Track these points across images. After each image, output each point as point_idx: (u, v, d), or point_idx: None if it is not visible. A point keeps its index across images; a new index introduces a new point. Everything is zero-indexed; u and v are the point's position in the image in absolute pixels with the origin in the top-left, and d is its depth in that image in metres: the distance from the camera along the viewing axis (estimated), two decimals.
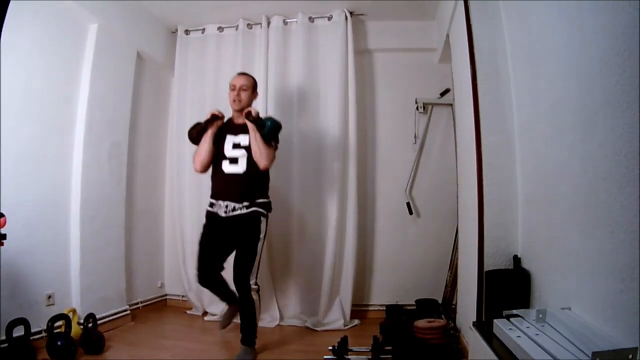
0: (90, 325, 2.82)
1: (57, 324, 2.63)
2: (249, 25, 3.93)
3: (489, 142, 2.35)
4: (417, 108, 3.83)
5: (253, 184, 2.79)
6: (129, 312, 3.51)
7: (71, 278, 3.05)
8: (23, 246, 2.66)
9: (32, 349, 2.46)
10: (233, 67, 3.84)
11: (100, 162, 3.29)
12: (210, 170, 2.88)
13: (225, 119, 2.87)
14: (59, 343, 2.52)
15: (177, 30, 4.09)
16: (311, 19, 3.81)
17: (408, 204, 3.77)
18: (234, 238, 2.76)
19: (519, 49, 2.25)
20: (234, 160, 2.78)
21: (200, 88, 3.98)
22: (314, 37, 3.81)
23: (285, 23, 3.86)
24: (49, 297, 2.85)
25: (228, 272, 2.82)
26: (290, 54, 3.84)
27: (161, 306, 4.08)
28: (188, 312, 3.87)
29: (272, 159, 2.76)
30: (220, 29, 4.01)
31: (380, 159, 3.94)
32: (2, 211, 2.13)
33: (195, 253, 2.84)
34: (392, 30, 3.91)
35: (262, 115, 2.87)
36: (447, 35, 3.22)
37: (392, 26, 3.90)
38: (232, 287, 2.82)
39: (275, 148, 2.82)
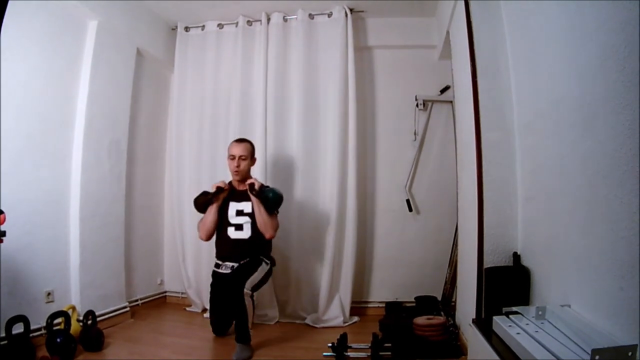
0: (89, 322, 2.82)
1: (56, 321, 2.64)
2: (249, 22, 3.92)
3: (488, 139, 2.34)
4: (417, 105, 3.82)
5: (257, 246, 2.99)
6: (128, 309, 3.51)
7: (71, 275, 3.05)
8: (23, 243, 2.66)
9: (31, 346, 2.46)
10: (233, 63, 3.85)
11: (100, 159, 3.29)
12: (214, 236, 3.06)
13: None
14: (58, 340, 2.52)
15: (177, 27, 4.08)
16: (311, 16, 3.80)
17: (408, 200, 3.77)
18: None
19: (519, 46, 2.25)
20: (239, 227, 2.98)
21: (200, 85, 3.97)
22: (314, 34, 3.81)
23: (285, 20, 3.85)
24: (49, 294, 2.85)
25: None
26: (290, 50, 3.83)
27: (160, 303, 4.08)
28: (187, 309, 3.87)
29: (276, 228, 2.97)
30: (220, 25, 4.00)
31: (380, 155, 3.94)
32: (1, 208, 2.13)
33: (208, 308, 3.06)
34: (392, 27, 3.90)
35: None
36: (447, 33, 3.21)
37: (392, 23, 3.89)
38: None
39: (277, 214, 2.99)
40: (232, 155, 2.99)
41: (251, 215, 2.95)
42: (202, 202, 2.98)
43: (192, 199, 3.79)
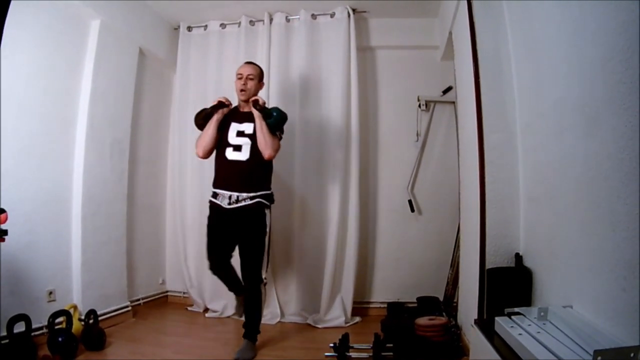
0: (91, 321, 2.83)
1: (58, 320, 2.64)
2: (252, 22, 3.92)
3: (491, 140, 2.34)
4: (420, 105, 3.82)
5: (256, 172, 2.78)
6: (130, 308, 3.52)
7: (72, 274, 3.06)
8: (24, 242, 2.67)
9: (33, 345, 2.46)
10: (235, 64, 3.83)
11: (102, 158, 3.30)
12: (213, 159, 2.87)
13: (232, 107, 2.88)
14: (60, 339, 2.52)
15: (179, 26, 4.08)
16: (314, 16, 3.81)
17: (410, 201, 3.76)
18: (239, 230, 2.75)
19: (522, 47, 2.25)
20: (237, 148, 2.77)
21: (202, 85, 3.97)
22: (317, 35, 3.81)
23: (287, 20, 3.86)
24: (50, 293, 2.86)
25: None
26: (292, 51, 3.83)
27: (162, 303, 4.08)
28: (189, 308, 3.88)
29: (276, 149, 2.75)
30: (223, 25, 4.00)
31: (382, 156, 3.94)
32: (3, 207, 2.13)
33: (204, 242, 2.85)
34: (394, 27, 3.90)
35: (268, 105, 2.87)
36: (450, 33, 3.20)
37: (395, 23, 3.89)
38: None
39: (280, 139, 2.82)
40: (240, 74, 2.83)
41: (252, 137, 2.75)
42: (202, 117, 2.82)
43: (194, 198, 3.84)
